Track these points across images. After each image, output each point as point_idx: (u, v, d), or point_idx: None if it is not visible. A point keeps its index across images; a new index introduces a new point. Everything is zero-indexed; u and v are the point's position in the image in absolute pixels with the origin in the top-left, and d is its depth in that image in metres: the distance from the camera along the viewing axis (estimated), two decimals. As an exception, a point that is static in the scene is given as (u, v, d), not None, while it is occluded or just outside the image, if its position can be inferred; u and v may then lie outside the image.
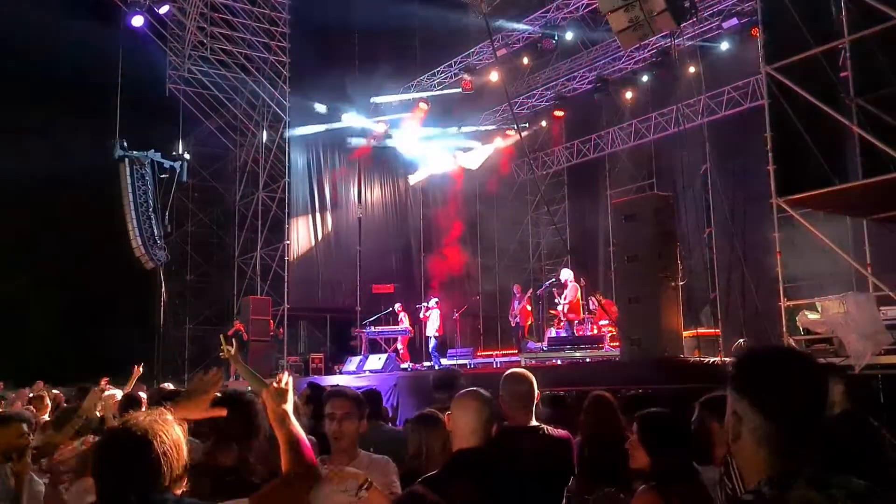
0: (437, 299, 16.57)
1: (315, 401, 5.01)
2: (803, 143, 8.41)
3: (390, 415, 9.00)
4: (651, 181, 18.08)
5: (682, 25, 11.79)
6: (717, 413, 3.03)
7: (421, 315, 16.53)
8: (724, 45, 15.95)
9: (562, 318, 14.87)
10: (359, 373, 14.49)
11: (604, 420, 4.33)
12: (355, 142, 20.05)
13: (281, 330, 18.06)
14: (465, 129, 21.00)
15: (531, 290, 16.98)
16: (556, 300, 15.01)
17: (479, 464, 2.91)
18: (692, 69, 16.37)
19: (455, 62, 18.49)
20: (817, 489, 1.52)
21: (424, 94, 19.47)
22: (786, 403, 1.59)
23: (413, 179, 21.34)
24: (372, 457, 3.47)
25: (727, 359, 9.68)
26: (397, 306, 16.95)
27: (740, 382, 1.66)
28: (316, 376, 15.75)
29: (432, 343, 15.91)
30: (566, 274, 14.91)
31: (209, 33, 18.11)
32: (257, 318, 17.29)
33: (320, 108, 19.09)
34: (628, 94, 18.38)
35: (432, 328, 15.96)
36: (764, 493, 1.54)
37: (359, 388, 5.56)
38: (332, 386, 5.16)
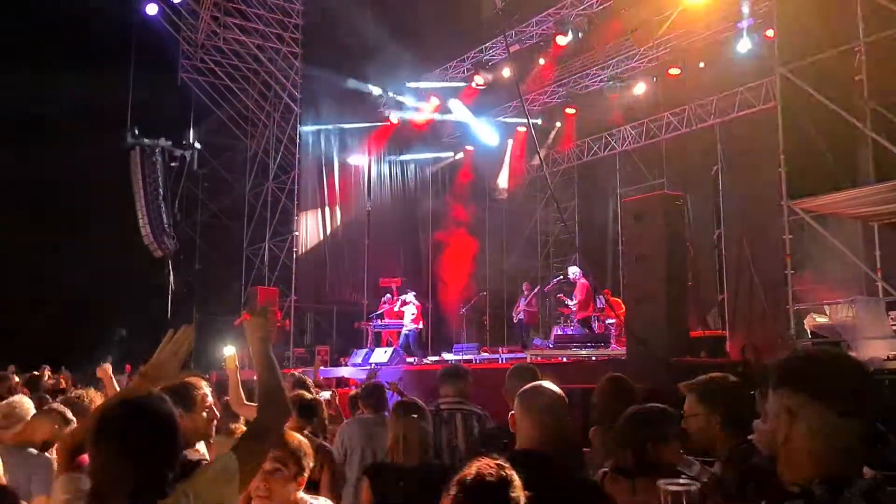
0: (414, 293, 16.59)
1: (303, 386, 5.09)
2: (815, 145, 8.37)
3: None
4: (661, 181, 18.00)
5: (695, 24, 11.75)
6: (717, 405, 3.01)
7: (396, 308, 16.51)
8: (739, 46, 15.84)
9: (572, 318, 14.85)
10: (364, 365, 14.51)
11: (621, 403, 4.28)
12: (366, 134, 20.05)
13: (287, 322, 18.09)
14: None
15: (538, 287, 16.97)
16: (568, 302, 14.99)
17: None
18: (704, 68, 16.32)
19: (467, 57, 18.45)
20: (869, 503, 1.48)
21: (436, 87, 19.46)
22: (850, 398, 1.57)
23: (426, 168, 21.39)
24: None
25: (734, 359, 9.65)
26: (386, 297, 17.00)
27: (798, 378, 1.63)
28: (322, 368, 15.78)
29: (403, 337, 15.97)
30: (574, 271, 14.87)
31: (222, 23, 18.12)
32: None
33: (331, 98, 19.09)
34: (640, 93, 18.28)
35: (407, 321, 16.04)
36: (814, 492, 1.51)
37: (362, 381, 5.61)
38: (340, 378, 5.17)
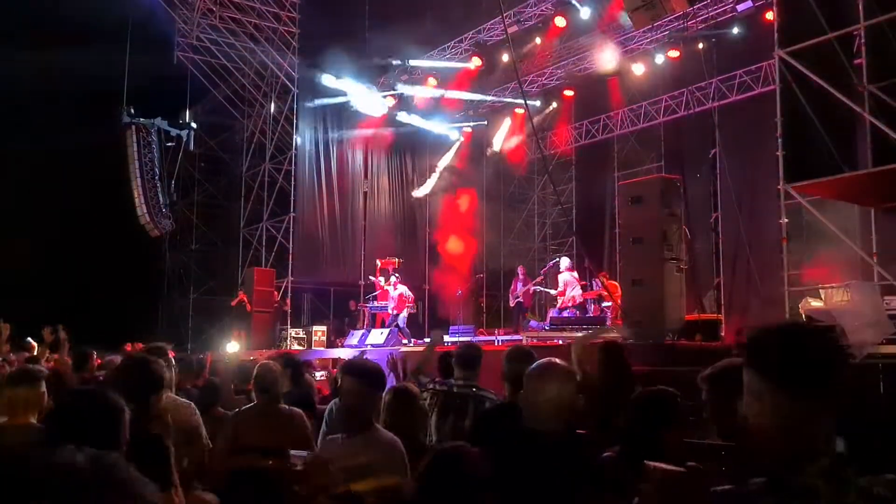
0: (396, 276, 16.47)
1: (291, 366, 5.11)
2: (814, 129, 8.35)
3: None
4: (659, 164, 17.99)
5: (695, 6, 11.67)
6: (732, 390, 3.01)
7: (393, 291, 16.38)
8: (738, 29, 15.77)
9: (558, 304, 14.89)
10: (361, 347, 14.53)
11: (617, 368, 4.28)
12: (363, 115, 19.94)
13: (288, 302, 18.08)
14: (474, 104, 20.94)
15: (539, 278, 16.90)
16: (551, 291, 15.06)
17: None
18: (704, 51, 16.25)
19: (466, 38, 18.33)
20: (828, 482, 1.48)
21: (432, 66, 19.34)
22: (808, 380, 1.55)
23: (420, 192, 21.22)
24: (384, 436, 3.42)
25: (729, 343, 9.68)
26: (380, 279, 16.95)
27: (761, 360, 1.61)
28: (318, 349, 15.82)
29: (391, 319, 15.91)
30: (563, 262, 14.84)
31: (219, 1, 17.97)
32: (261, 289, 17.34)
33: (328, 78, 18.95)
34: (639, 76, 18.19)
35: (390, 306, 16.01)
36: (775, 473, 1.52)
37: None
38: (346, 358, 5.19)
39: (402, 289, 16.18)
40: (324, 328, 17.94)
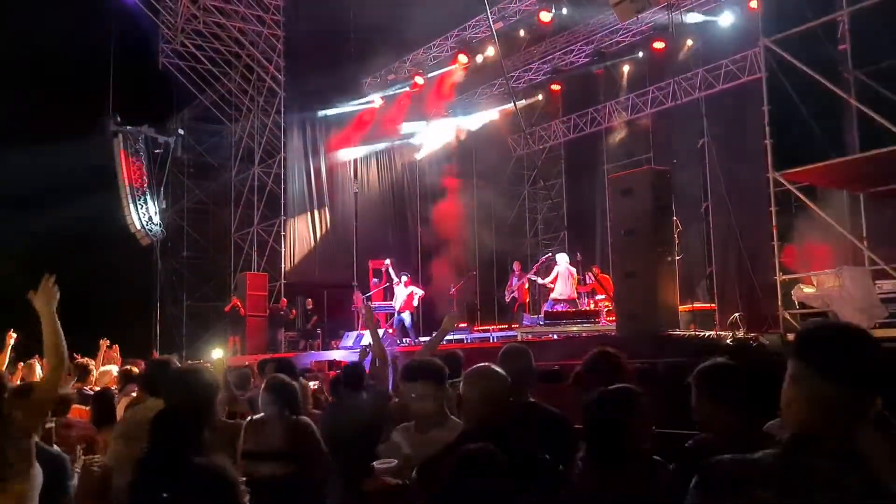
0: (406, 275, 16.44)
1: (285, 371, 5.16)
2: (801, 116, 8.38)
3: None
4: (648, 155, 17.98)
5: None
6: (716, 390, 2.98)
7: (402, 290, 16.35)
8: (723, 18, 15.80)
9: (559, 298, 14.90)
10: (355, 348, 14.50)
11: (613, 379, 4.26)
12: (351, 116, 19.91)
13: (294, 311, 17.97)
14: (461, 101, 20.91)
15: (532, 272, 16.91)
16: (541, 280, 15.08)
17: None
18: (689, 42, 16.29)
19: (451, 36, 18.30)
20: (828, 463, 1.56)
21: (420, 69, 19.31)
22: (846, 369, 1.65)
23: (419, 155, 21.18)
24: (459, 426, 3.35)
25: (722, 333, 9.71)
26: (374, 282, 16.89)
27: (801, 347, 1.73)
28: (312, 352, 15.79)
29: (397, 319, 15.87)
30: (562, 259, 14.84)
31: (202, 6, 17.89)
32: (254, 293, 17.30)
33: (315, 80, 18.91)
34: (625, 68, 18.23)
35: (397, 304, 15.99)
36: (783, 444, 1.67)
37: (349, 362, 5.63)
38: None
39: (413, 288, 16.12)
40: (317, 331, 17.91)
